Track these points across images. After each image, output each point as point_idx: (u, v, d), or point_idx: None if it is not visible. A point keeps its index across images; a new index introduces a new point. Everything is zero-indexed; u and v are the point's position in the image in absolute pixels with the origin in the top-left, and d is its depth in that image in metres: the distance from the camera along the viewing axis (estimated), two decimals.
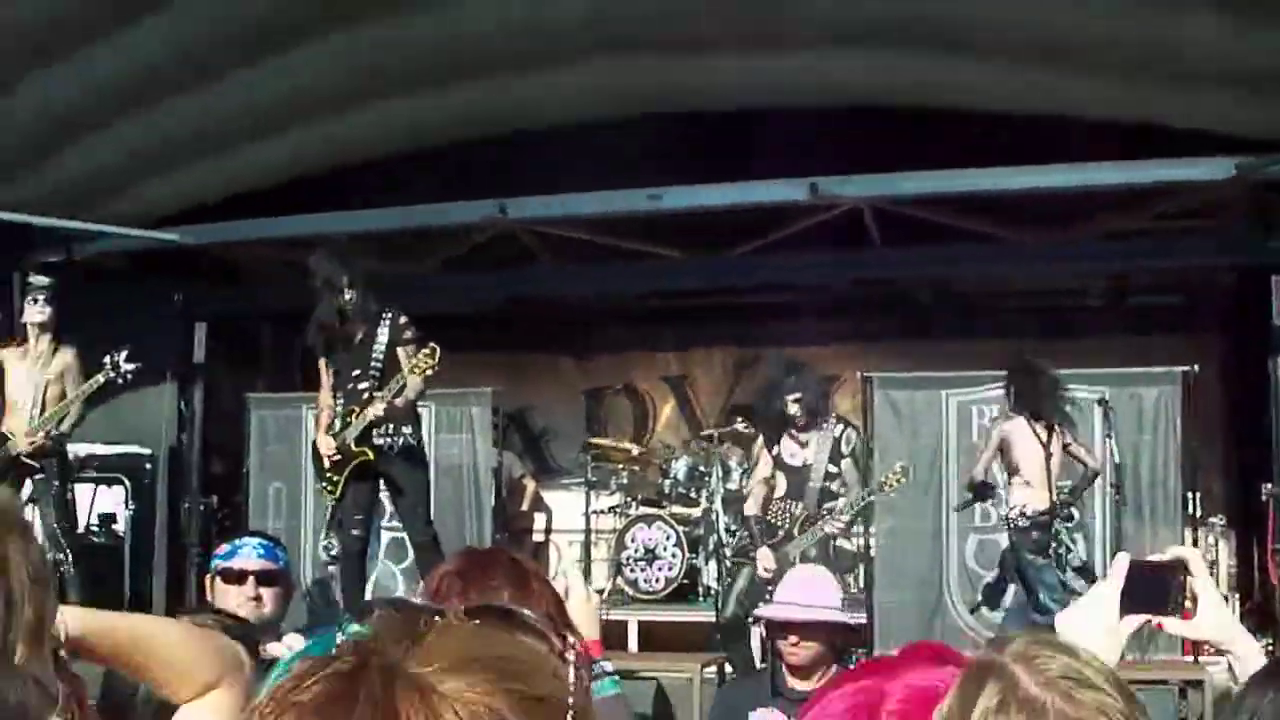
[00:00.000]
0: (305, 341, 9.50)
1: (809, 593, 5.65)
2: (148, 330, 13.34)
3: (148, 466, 13.17)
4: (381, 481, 9.37)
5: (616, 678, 3.34)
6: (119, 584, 12.36)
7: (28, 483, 10.17)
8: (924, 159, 11.65)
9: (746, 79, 11.57)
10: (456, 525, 11.25)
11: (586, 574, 12.78)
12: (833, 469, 9.48)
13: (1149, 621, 2.52)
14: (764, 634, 5.44)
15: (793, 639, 5.36)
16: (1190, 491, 10.56)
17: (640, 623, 11.58)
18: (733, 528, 12.18)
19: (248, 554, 5.17)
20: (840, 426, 9.58)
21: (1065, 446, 9.77)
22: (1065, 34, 10.26)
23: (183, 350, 13.50)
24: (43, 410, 10.08)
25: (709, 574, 12.01)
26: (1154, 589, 2.50)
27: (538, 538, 14.16)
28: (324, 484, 9.33)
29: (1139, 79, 10.66)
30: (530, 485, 14.58)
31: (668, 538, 12.38)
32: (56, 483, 10.22)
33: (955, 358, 14.09)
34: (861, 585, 10.81)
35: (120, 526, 12.85)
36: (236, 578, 5.08)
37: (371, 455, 9.04)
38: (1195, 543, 10.45)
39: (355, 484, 9.17)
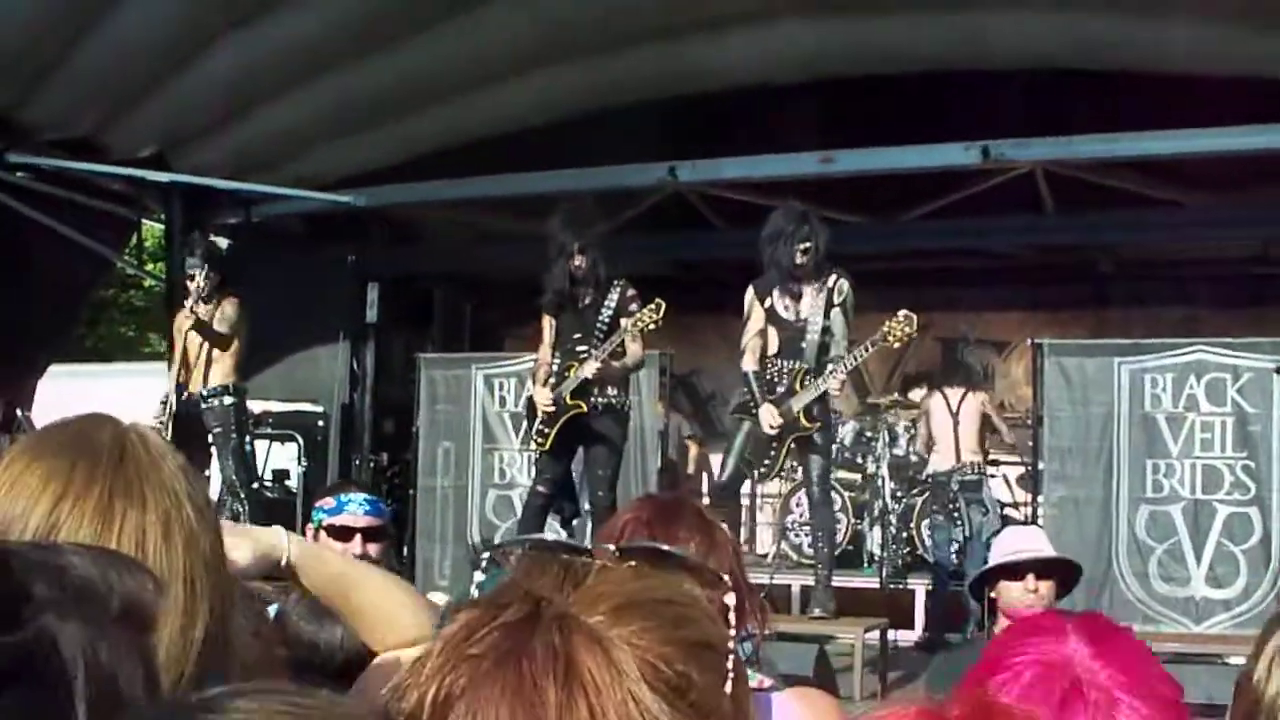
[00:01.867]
0: (543, 298, 9.51)
1: (1029, 539, 5.45)
2: (322, 291, 13.65)
3: (320, 424, 13.45)
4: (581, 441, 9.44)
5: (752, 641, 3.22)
6: None
7: (208, 437, 10.45)
8: (1098, 122, 11.42)
9: (922, 41, 11.43)
10: (623, 485, 11.27)
11: (751, 537, 12.81)
12: (825, 322, 9.14)
13: None
14: (984, 595, 5.18)
15: (1030, 582, 5.02)
16: None
17: (804, 587, 11.56)
18: (899, 494, 12.09)
19: (355, 509, 5.02)
20: (833, 277, 9.21)
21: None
22: None
23: (355, 310, 13.75)
24: (209, 364, 10.38)
25: (874, 540, 11.94)
26: None
27: (702, 501, 14.16)
28: (536, 437, 9.40)
29: None
30: (696, 448, 14.60)
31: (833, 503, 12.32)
32: (235, 436, 10.47)
33: (1129, 326, 13.84)
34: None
35: (293, 482, 13.14)
36: (343, 534, 4.94)
37: (585, 408, 9.10)
38: None
39: (562, 441, 9.26)
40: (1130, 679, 1.76)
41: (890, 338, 8.81)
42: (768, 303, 9.14)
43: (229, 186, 12.74)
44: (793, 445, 9.12)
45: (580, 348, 9.07)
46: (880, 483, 11.96)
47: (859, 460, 12.79)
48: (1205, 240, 13.84)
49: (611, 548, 1.28)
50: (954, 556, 11.07)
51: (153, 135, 12.20)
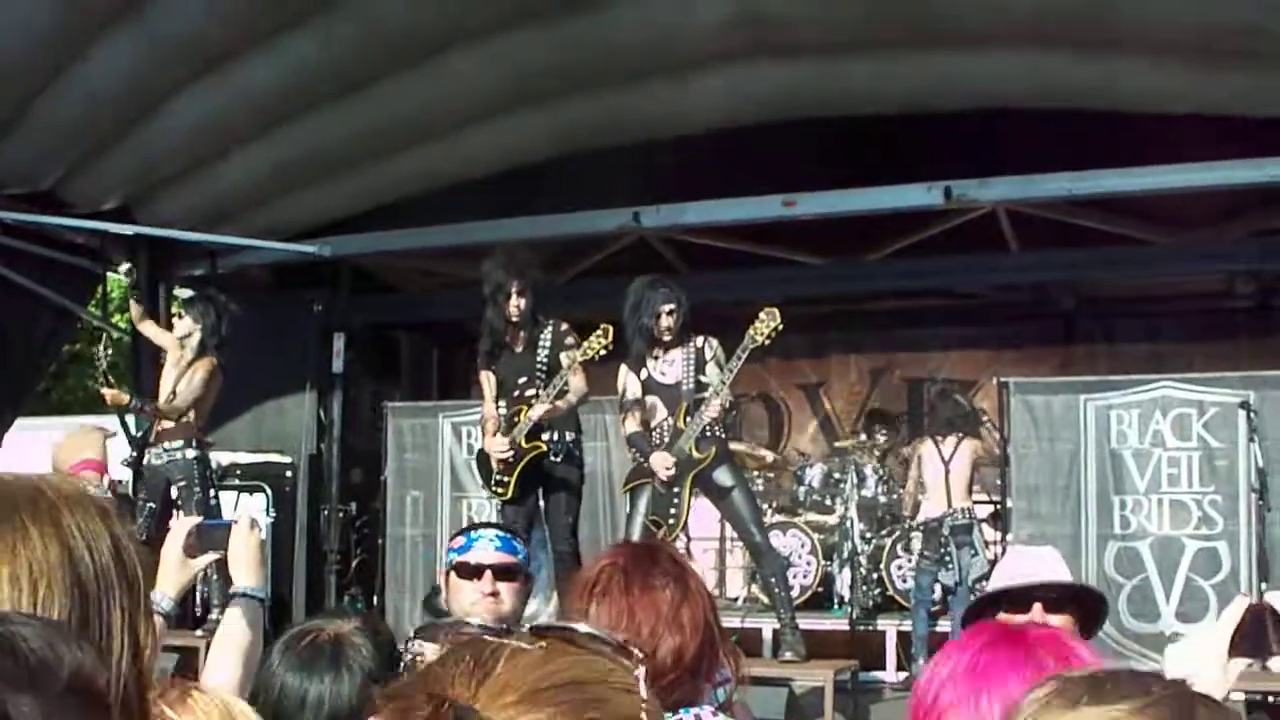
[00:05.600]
0: (479, 349, 9.45)
1: (1034, 562, 4.17)
2: (289, 340, 13.63)
3: (288, 474, 13.41)
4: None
5: (726, 687, 3.07)
6: None
7: (172, 490, 10.39)
8: (1060, 161, 11.50)
9: (883, 83, 11.49)
10: (591, 530, 11.27)
11: (721, 580, 12.79)
12: (702, 379, 9.09)
13: (1251, 664, 2.56)
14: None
15: (1038, 614, 3.84)
16: None
17: (775, 630, 11.55)
18: (868, 535, 12.09)
19: (484, 546, 4.71)
20: (700, 339, 9.08)
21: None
22: (1205, 29, 10.05)
23: (322, 360, 13.73)
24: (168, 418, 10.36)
25: (843, 582, 11.92)
26: (1260, 632, 2.53)
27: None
28: (495, 488, 9.32)
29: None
30: None
31: (802, 545, 12.31)
32: (199, 490, 10.41)
33: (1095, 363, 13.92)
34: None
35: (262, 533, 13.06)
36: (472, 572, 4.65)
37: (545, 448, 9.05)
38: None
39: (523, 488, 9.22)
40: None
41: (758, 337, 8.77)
42: (643, 374, 9.10)
43: (193, 238, 12.71)
44: (701, 494, 9.06)
45: (528, 391, 9.05)
46: (849, 524, 11.95)
47: (827, 502, 12.78)
48: (1169, 276, 13.93)
49: (525, 628, 1.29)
50: (936, 596, 11.06)
51: (116, 187, 12.17)
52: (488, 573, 4.61)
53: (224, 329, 10.48)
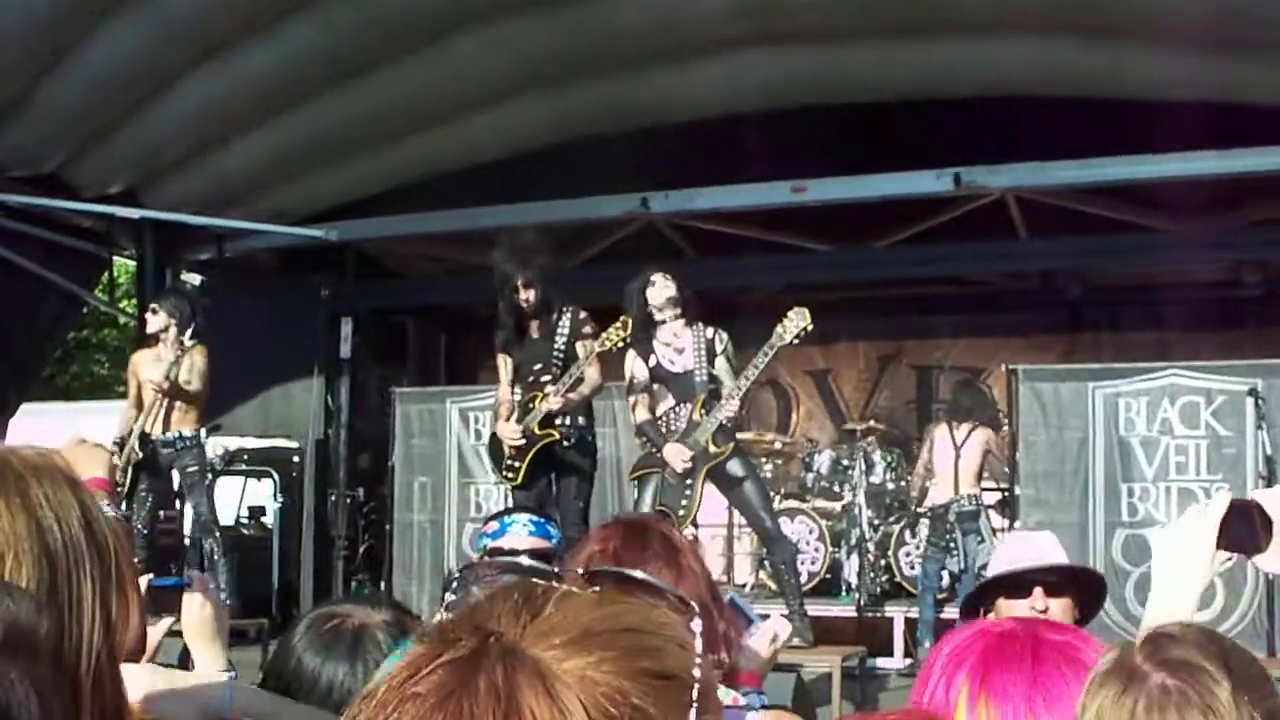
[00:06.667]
0: (496, 334, 9.41)
1: (1032, 548, 4.13)
2: (296, 325, 13.62)
3: (295, 460, 13.42)
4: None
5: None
6: (267, 575, 12.60)
7: (175, 475, 10.37)
8: (1069, 148, 11.47)
9: (887, 71, 11.47)
10: (599, 516, 11.26)
11: (729, 567, 12.78)
12: (713, 371, 9.05)
13: (1231, 559, 2.55)
14: (979, 617, 3.94)
15: (1039, 599, 3.84)
16: None
17: (783, 616, 11.54)
18: (876, 521, 12.07)
19: (518, 531, 4.73)
20: (710, 330, 9.00)
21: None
22: (1211, 17, 10.02)
23: (329, 345, 13.71)
24: (169, 410, 10.25)
25: (850, 568, 11.91)
26: (1245, 528, 2.53)
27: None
28: (505, 473, 9.30)
29: None
30: None
31: (810, 531, 12.28)
32: (208, 476, 10.40)
33: (1101, 351, 13.89)
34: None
35: (269, 519, 13.10)
36: (506, 557, 4.54)
37: (557, 435, 9.02)
38: None
39: (534, 475, 9.20)
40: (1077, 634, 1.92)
41: (786, 336, 8.73)
42: (651, 360, 9.04)
43: (200, 222, 12.70)
44: (710, 483, 9.02)
45: (544, 378, 9.01)
46: (857, 511, 11.93)
47: (836, 489, 12.76)
48: (1177, 264, 13.91)
49: (580, 571, 1.24)
50: (943, 583, 11.05)
51: (122, 171, 12.17)
52: (523, 558, 4.50)
53: (198, 320, 10.42)
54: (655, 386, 9.07)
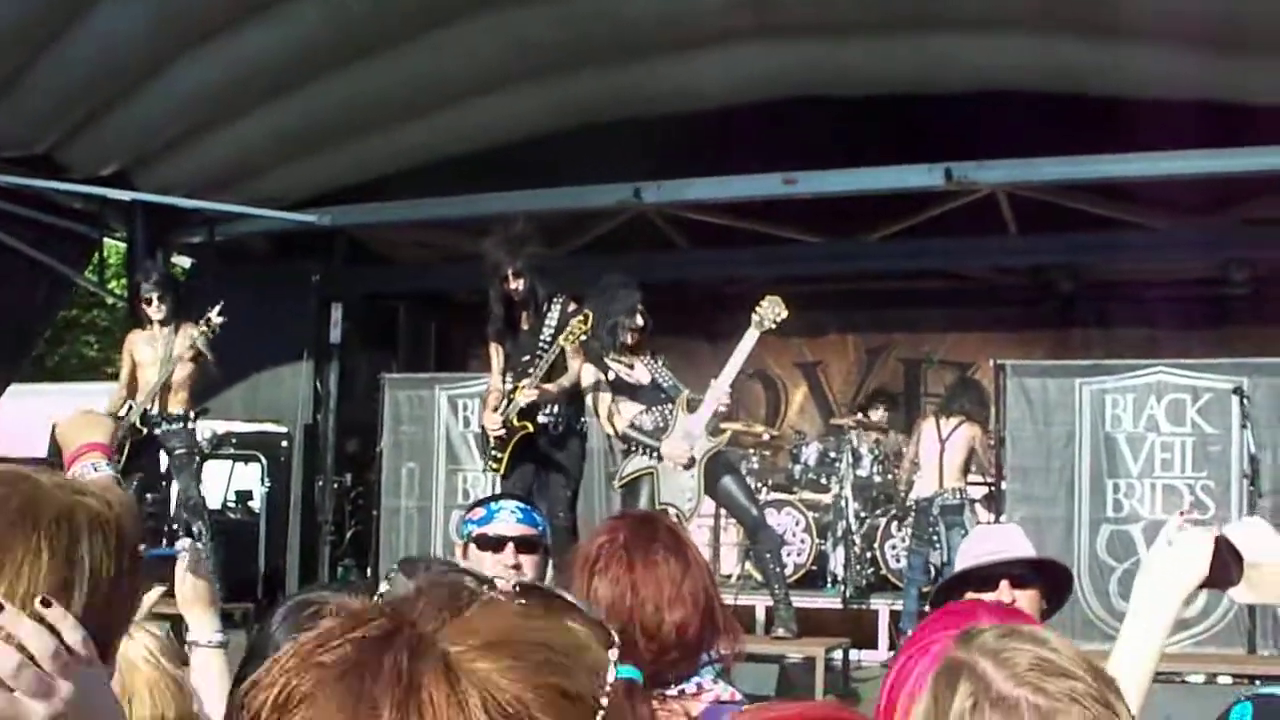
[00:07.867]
0: (488, 322, 9.44)
1: (998, 541, 4.16)
2: (286, 310, 13.61)
3: (284, 444, 13.40)
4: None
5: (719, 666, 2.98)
6: (254, 559, 12.60)
7: (163, 457, 10.39)
8: (1060, 145, 11.49)
9: (883, 64, 11.49)
10: (585, 506, 11.28)
11: (715, 558, 12.80)
12: (676, 384, 9.11)
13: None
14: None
15: (1006, 591, 3.85)
16: None
17: (768, 608, 11.57)
18: (862, 514, 12.11)
19: (505, 518, 4.60)
20: (649, 353, 9.14)
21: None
22: (1206, 16, 10.05)
23: (319, 330, 13.70)
24: (168, 388, 10.27)
25: (836, 560, 11.94)
26: (1219, 563, 2.65)
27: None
28: (490, 462, 9.36)
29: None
30: None
31: (797, 523, 12.32)
32: (197, 458, 10.42)
33: (1090, 347, 13.92)
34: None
35: (256, 503, 13.10)
36: (494, 544, 4.52)
37: (532, 428, 9.06)
38: None
39: (519, 464, 9.23)
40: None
41: (765, 324, 8.76)
42: (610, 374, 9.05)
43: (192, 205, 12.70)
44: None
45: (530, 369, 9.05)
46: (844, 503, 11.96)
47: (822, 481, 12.79)
48: (1166, 262, 13.95)
49: (514, 585, 1.24)
50: (928, 576, 11.08)
51: (115, 153, 12.15)
52: (510, 545, 4.49)
53: (181, 299, 10.48)
54: (616, 397, 9.08)
